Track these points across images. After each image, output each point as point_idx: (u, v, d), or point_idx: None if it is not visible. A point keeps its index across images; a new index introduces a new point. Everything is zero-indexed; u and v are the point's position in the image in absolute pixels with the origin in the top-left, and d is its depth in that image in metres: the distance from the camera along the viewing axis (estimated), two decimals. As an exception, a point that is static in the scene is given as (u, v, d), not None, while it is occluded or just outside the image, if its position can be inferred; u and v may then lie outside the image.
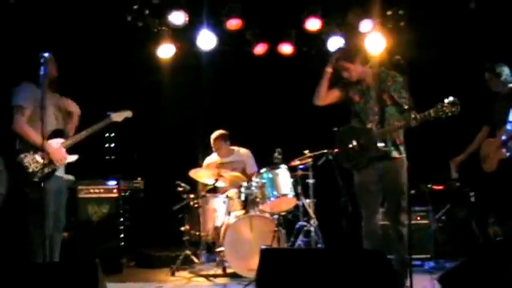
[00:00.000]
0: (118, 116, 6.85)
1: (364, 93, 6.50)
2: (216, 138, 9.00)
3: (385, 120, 6.35)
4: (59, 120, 6.59)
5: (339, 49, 6.93)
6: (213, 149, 9.07)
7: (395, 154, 6.34)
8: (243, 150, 9.14)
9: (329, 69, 6.56)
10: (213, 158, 9.16)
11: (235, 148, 9.13)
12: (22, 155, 6.24)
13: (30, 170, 6.22)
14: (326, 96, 6.62)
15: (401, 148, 6.38)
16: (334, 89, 6.66)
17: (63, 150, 6.43)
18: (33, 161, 6.23)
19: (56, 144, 6.37)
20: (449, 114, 5.80)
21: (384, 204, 6.61)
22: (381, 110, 6.38)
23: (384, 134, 6.31)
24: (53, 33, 8.19)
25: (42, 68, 5.88)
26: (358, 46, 7.59)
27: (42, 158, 6.16)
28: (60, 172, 6.50)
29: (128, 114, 6.95)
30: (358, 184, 6.52)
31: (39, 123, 5.84)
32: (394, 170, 6.32)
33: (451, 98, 5.82)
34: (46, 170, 6.24)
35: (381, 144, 6.31)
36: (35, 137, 6.18)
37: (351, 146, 6.48)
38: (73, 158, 6.55)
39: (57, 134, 6.47)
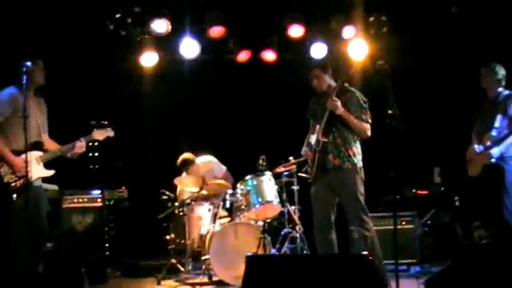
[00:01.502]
0: (99, 134, 6.68)
1: (325, 108, 6.59)
2: (181, 165, 8.82)
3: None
4: (40, 131, 6.44)
5: None
6: (183, 171, 8.85)
7: (347, 165, 6.51)
8: (204, 161, 9.05)
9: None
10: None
11: (199, 163, 8.95)
12: None
13: (5, 180, 6.11)
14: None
15: (355, 159, 6.56)
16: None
17: (38, 163, 6.29)
18: (7, 172, 6.12)
19: (33, 158, 6.19)
20: None
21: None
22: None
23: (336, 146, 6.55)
24: (36, 42, 8.14)
25: (24, 77, 5.85)
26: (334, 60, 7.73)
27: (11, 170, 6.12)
28: (38, 182, 6.36)
29: (110, 133, 6.75)
30: (311, 194, 6.77)
31: (21, 133, 5.76)
32: (346, 180, 6.53)
33: None
34: (19, 184, 6.10)
35: (331, 156, 6.53)
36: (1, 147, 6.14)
37: (309, 160, 6.77)
38: (49, 173, 6.45)
39: (37, 146, 6.33)
